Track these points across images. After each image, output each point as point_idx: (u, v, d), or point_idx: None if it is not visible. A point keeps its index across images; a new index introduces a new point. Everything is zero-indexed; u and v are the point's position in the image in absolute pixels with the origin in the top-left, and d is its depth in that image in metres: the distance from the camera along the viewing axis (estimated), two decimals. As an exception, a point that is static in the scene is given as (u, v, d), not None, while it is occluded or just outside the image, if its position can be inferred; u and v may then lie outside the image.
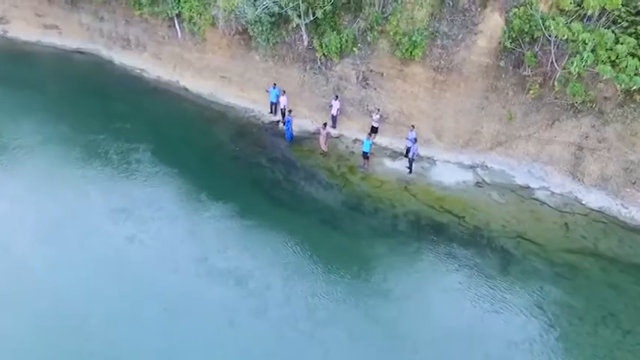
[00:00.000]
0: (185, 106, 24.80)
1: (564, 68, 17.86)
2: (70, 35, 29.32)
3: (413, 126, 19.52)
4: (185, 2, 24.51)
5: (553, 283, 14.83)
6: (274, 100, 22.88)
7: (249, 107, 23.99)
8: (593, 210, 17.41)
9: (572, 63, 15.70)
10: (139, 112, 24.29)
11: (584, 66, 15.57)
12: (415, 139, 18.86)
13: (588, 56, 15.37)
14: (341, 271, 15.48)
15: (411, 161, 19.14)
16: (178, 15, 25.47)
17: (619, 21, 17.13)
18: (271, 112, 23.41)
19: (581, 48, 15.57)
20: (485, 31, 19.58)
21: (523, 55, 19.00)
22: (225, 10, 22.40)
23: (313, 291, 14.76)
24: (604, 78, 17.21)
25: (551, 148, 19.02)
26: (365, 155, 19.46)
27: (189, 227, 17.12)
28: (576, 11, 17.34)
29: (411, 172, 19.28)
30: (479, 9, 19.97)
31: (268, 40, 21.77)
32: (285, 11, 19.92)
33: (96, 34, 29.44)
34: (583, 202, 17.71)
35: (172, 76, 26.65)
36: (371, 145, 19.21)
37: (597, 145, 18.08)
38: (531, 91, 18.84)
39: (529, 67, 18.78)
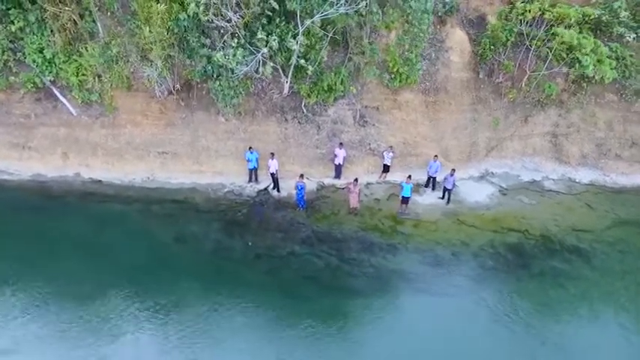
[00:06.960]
0: (113, 208, 17.37)
1: (534, 71, 19.82)
2: None
3: (436, 156, 18.43)
4: (67, 62, 16.63)
5: (627, 262, 16.62)
6: (255, 166, 18.12)
7: (215, 183, 18.40)
8: (588, 185, 20.20)
9: (587, 67, 17.39)
10: (42, 235, 16.00)
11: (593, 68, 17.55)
12: (454, 170, 17.93)
13: (591, 59, 17.34)
14: (491, 338, 13.80)
15: (449, 192, 18.20)
16: (54, 82, 17.15)
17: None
18: (251, 181, 18.52)
19: (583, 51, 17.35)
20: (454, 46, 19.83)
21: (493, 64, 20.17)
22: (156, 68, 16.12)
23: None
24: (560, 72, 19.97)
25: (532, 141, 21.00)
26: (405, 200, 17.51)
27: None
28: (517, 17, 19.17)
29: (448, 202, 18.39)
30: (438, 26, 20.03)
31: (236, 94, 16.79)
32: (298, 61, 15.66)
33: None
34: (577, 181, 20.31)
35: (64, 169, 18.21)
36: (412, 188, 17.38)
37: (568, 130, 20.89)
38: (510, 95, 20.23)
39: (501, 73, 20.09)
